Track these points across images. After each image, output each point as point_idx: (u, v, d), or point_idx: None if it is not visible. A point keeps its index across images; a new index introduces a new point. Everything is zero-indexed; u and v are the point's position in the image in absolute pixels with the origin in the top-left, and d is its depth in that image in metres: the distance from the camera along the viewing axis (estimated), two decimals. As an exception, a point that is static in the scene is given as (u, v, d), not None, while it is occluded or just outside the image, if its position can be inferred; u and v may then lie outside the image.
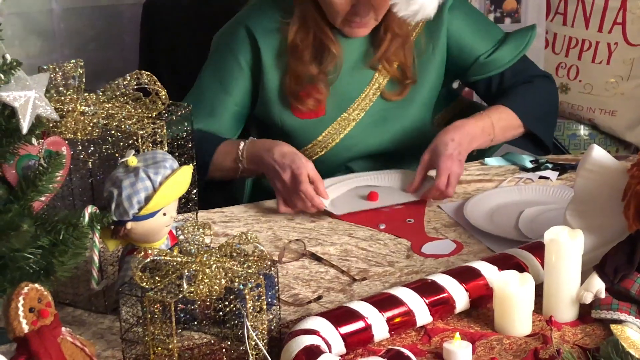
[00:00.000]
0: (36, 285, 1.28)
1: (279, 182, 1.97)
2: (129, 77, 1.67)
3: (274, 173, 1.98)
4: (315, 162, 2.15)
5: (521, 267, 1.62)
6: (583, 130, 3.17)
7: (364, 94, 2.16)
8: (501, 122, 2.14)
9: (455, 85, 2.48)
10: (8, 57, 1.35)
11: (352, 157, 2.20)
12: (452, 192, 2.01)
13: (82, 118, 1.61)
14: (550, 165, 2.18)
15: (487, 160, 2.23)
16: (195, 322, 1.53)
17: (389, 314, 1.52)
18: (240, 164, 2.05)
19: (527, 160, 2.20)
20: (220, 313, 1.43)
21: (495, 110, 2.15)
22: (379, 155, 2.21)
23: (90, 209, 1.48)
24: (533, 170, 2.17)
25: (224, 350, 1.48)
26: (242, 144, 2.05)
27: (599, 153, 1.61)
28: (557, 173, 2.15)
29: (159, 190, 1.50)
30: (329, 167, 2.17)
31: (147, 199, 1.49)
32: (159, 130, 1.61)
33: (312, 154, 2.17)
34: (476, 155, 2.22)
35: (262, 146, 2.03)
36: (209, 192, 2.10)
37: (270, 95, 2.13)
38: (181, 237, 1.52)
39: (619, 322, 1.49)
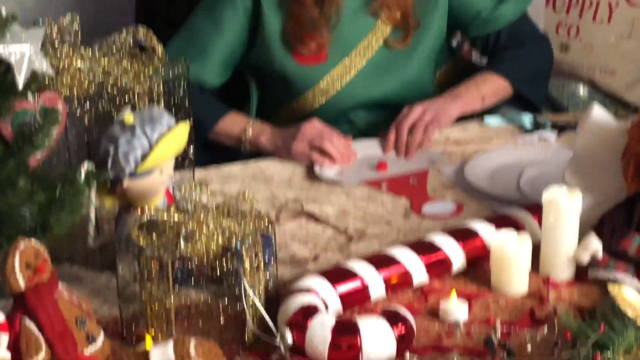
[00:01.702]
0: (32, 241, 1.29)
1: (301, 131, 2.01)
2: (125, 33, 1.66)
3: (294, 130, 2.02)
4: (316, 111, 2.15)
5: (519, 227, 1.63)
6: (582, 90, 3.16)
7: (365, 41, 2.15)
8: (488, 86, 2.18)
9: (454, 44, 2.48)
10: (3, 11, 1.34)
11: (354, 106, 2.20)
12: (417, 136, 2.04)
13: (78, 74, 1.61)
14: (549, 125, 2.17)
15: (487, 120, 2.23)
16: (193, 281, 1.53)
17: (386, 273, 1.53)
18: (244, 136, 2.08)
19: (526, 120, 2.20)
20: (218, 272, 1.43)
21: (482, 75, 2.19)
22: (381, 106, 2.21)
23: (86, 166, 1.47)
24: (532, 130, 2.17)
25: (220, 308, 1.49)
26: (250, 121, 2.09)
27: (598, 113, 1.61)
28: (557, 133, 2.14)
29: (156, 148, 1.50)
30: (331, 117, 2.16)
31: (144, 157, 1.49)
32: (156, 87, 1.61)
33: (313, 101, 2.18)
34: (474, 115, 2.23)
35: (273, 128, 2.08)
36: (206, 148, 2.11)
37: (271, 39, 2.12)
38: (178, 195, 1.52)
39: (615, 282, 1.50)
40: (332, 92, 2.17)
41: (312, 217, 1.83)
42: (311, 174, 2.00)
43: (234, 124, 2.10)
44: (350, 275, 1.51)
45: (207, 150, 2.15)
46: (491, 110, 2.30)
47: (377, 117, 2.21)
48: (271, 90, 2.23)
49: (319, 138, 2.02)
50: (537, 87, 2.28)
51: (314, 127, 2.03)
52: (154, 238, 1.40)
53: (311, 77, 2.15)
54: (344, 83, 2.16)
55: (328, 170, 2.00)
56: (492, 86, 2.18)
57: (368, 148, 2.10)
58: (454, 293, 1.51)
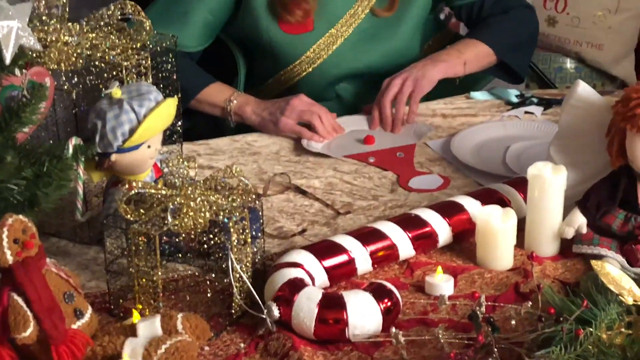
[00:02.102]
0: (20, 216, 1.28)
1: (290, 105, 2.02)
2: (112, 7, 1.65)
3: (282, 104, 2.02)
4: (303, 80, 2.16)
5: (504, 202, 1.64)
6: (569, 64, 3.16)
7: (352, 10, 2.15)
8: (470, 50, 2.17)
9: (442, 16, 2.47)
10: (-11, -14, 1.33)
11: (340, 75, 2.20)
12: (401, 99, 2.06)
13: (65, 48, 1.60)
14: (535, 100, 2.18)
15: (473, 94, 2.24)
16: (180, 255, 1.53)
17: (372, 247, 1.53)
18: (229, 106, 2.08)
19: (512, 95, 2.20)
20: (205, 246, 1.44)
21: (464, 41, 2.20)
22: (367, 76, 2.21)
23: (74, 141, 1.47)
24: (518, 105, 2.17)
25: (208, 282, 1.50)
26: (235, 92, 2.09)
27: (584, 89, 1.61)
28: (542, 108, 2.15)
29: (144, 123, 1.49)
30: (318, 87, 2.16)
31: (132, 131, 1.49)
32: (144, 61, 1.60)
33: (300, 70, 2.17)
34: (460, 88, 2.23)
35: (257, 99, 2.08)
36: (193, 121, 2.10)
37: (258, 8, 2.12)
38: (166, 169, 1.52)
39: (599, 257, 1.51)
40: (318, 61, 2.16)
41: (299, 191, 1.83)
42: (299, 148, 2.00)
43: (219, 93, 2.10)
44: (337, 249, 1.51)
45: (193, 121, 2.15)
46: (477, 83, 2.30)
47: (363, 87, 2.21)
48: (259, 62, 2.23)
49: (308, 113, 2.02)
50: (521, 56, 2.27)
51: (302, 102, 2.03)
52: (141, 212, 1.40)
53: (298, 47, 2.14)
54: (330, 52, 2.16)
55: (315, 144, 2.00)
56: (474, 52, 2.17)
57: (355, 123, 2.11)
58: (439, 267, 1.51)
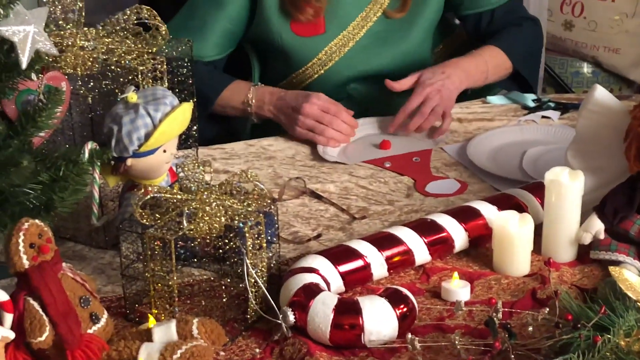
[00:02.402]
0: (36, 221, 1.29)
1: (302, 114, 2.01)
2: (128, 12, 1.66)
3: (295, 110, 2.02)
4: (315, 82, 2.16)
5: (521, 207, 1.63)
6: (586, 68, 3.16)
7: (364, 13, 2.15)
8: (494, 60, 2.17)
9: (457, 21, 2.47)
10: (6, -9, 1.33)
11: (352, 77, 2.20)
12: (416, 123, 2.02)
13: (81, 53, 1.60)
14: (552, 105, 2.17)
15: (489, 98, 2.23)
16: (195, 259, 1.54)
17: (388, 252, 1.53)
18: (249, 108, 2.09)
19: (529, 99, 2.19)
20: (220, 250, 1.44)
21: (488, 49, 2.18)
22: (379, 78, 2.20)
23: (90, 145, 1.47)
24: (535, 109, 2.16)
25: (223, 287, 1.49)
26: (251, 89, 2.09)
27: (601, 93, 1.60)
28: (559, 113, 2.14)
29: (159, 127, 1.49)
30: (329, 88, 2.16)
31: (147, 136, 1.49)
32: (159, 66, 1.60)
33: (312, 72, 2.18)
34: (475, 94, 2.23)
35: (274, 91, 2.08)
36: (209, 126, 2.11)
37: (269, 11, 2.12)
38: (181, 174, 1.52)
39: (617, 263, 1.50)
40: (330, 63, 2.16)
41: (314, 195, 1.83)
42: (314, 153, 2.00)
43: (237, 93, 2.11)
44: (352, 254, 1.51)
45: (211, 125, 2.15)
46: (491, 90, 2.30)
47: (375, 88, 2.21)
48: (272, 64, 2.24)
49: (319, 125, 2.01)
50: (533, 67, 2.29)
51: (313, 108, 2.02)
52: (157, 217, 1.40)
53: (310, 49, 2.15)
54: (342, 54, 2.16)
55: (331, 150, 2.00)
56: (496, 62, 2.18)
57: (371, 127, 2.10)
58: (456, 273, 1.51)
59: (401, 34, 2.18)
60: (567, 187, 1.53)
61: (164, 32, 1.65)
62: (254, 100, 2.09)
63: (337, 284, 1.48)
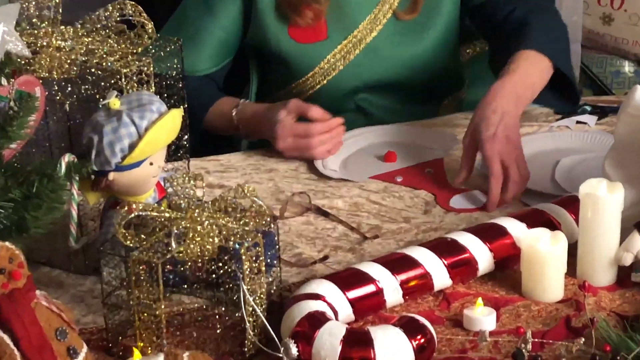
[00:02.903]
0: (7, 243, 1.29)
1: (280, 136, 2.00)
2: (111, 8, 1.66)
3: (271, 133, 2.02)
4: (317, 92, 2.16)
5: (553, 224, 1.63)
6: (628, 67, 3.16)
7: (372, 15, 2.15)
8: (534, 67, 1.99)
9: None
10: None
11: (359, 87, 2.20)
12: (514, 193, 1.82)
13: (58, 54, 1.61)
14: (588, 108, 2.16)
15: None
16: (186, 285, 1.54)
17: (403, 276, 1.53)
18: (239, 125, 2.10)
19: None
20: (214, 275, 1.44)
21: (522, 57, 1.98)
22: (390, 87, 2.21)
23: (67, 158, 1.48)
24: (569, 113, 2.16)
25: (217, 316, 1.50)
26: (234, 110, 2.09)
27: (643, 95, 1.60)
28: (597, 117, 2.14)
29: (145, 137, 1.50)
30: (334, 99, 2.16)
31: (132, 147, 1.49)
32: (145, 68, 1.61)
33: (314, 83, 2.18)
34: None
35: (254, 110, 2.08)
36: (203, 137, 2.11)
37: (264, 15, 2.13)
38: (170, 189, 1.53)
39: (662, 287, 1.50)
40: (334, 72, 2.16)
41: (320, 212, 1.83)
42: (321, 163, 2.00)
43: (222, 111, 2.11)
44: (363, 278, 1.51)
45: (206, 139, 2.16)
46: None
47: (386, 98, 2.21)
48: (270, 73, 2.25)
49: (297, 148, 2.00)
50: (570, 63, 2.13)
51: (284, 130, 2.00)
52: (142, 238, 1.41)
53: (311, 57, 2.15)
54: (347, 62, 2.16)
55: (332, 162, 1.99)
56: (538, 68, 1.99)
57: (372, 136, 2.10)
58: (479, 299, 1.50)
59: (414, 37, 2.17)
60: (605, 201, 1.53)
61: (150, 30, 1.66)
62: (239, 118, 2.09)
63: (346, 312, 1.48)
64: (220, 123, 2.12)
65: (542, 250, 1.53)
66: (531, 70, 1.97)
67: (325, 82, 2.17)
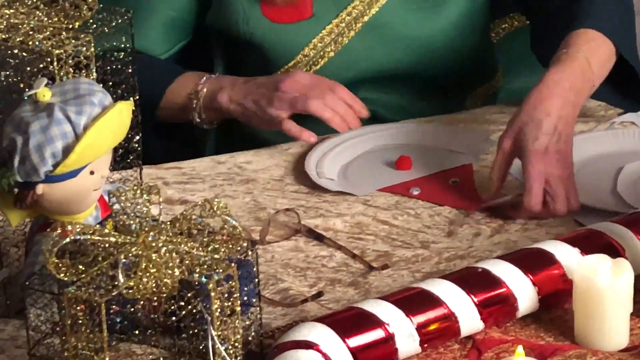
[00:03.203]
0: None
1: (280, 92, 2.04)
2: (40, -28, 1.67)
3: (269, 89, 2.05)
4: None
5: (615, 250, 1.63)
6: None
7: None
8: (596, 54, 1.97)
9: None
10: None
11: (354, 79, 2.20)
12: (560, 210, 1.83)
13: (-30, 32, 1.61)
14: (660, 100, 2.17)
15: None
16: (137, 331, 1.53)
17: (421, 318, 1.52)
18: (195, 101, 2.11)
19: (626, 92, 2.19)
20: (174, 318, 1.43)
21: (583, 38, 1.96)
22: (398, 80, 2.22)
23: (-18, 166, 1.48)
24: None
25: (179, 371, 1.50)
26: (205, 77, 2.12)
27: None
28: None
29: (84, 138, 1.50)
30: None
31: (67, 151, 1.49)
32: (84, 48, 1.61)
33: None
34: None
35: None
36: (159, 137, 2.12)
37: (228, 5, 2.16)
38: (116, 206, 1.52)
39: None
40: (322, 61, 2.18)
41: (313, 235, 1.83)
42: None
43: (182, 88, 2.13)
44: (368, 321, 1.51)
45: (161, 137, 2.16)
46: None
47: (390, 93, 2.24)
48: (239, 63, 2.25)
49: (302, 97, 2.03)
50: (635, 48, 2.13)
51: (296, 82, 2.05)
52: (81, 269, 1.40)
53: (292, 41, 2.17)
54: (339, 48, 2.17)
55: (328, 171, 1.99)
56: (599, 56, 1.98)
57: (380, 137, 2.11)
58: (520, 347, 1.50)
59: (430, 12, 2.18)
60: (682, 219, 1.53)
61: (90, 1, 1.66)
62: (205, 90, 2.11)
63: (346, 365, 1.48)
64: (181, 94, 2.14)
65: (601, 284, 1.53)
66: (593, 57, 1.95)
67: (311, 72, 2.18)
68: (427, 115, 2.18)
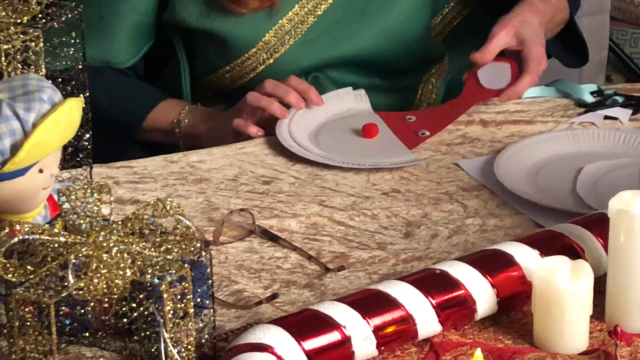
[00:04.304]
0: None
1: (245, 101, 2.12)
2: (-15, -38, 1.66)
3: (237, 106, 2.13)
4: (260, 76, 2.21)
5: (574, 252, 1.63)
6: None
7: None
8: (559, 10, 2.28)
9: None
10: None
11: (316, 65, 2.24)
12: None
13: None
14: (619, 99, 2.18)
15: (527, 91, 2.23)
16: (88, 334, 1.53)
17: (378, 320, 1.52)
18: (178, 129, 2.19)
19: (585, 92, 2.20)
20: (125, 320, 1.43)
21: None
22: (355, 65, 2.24)
23: None
24: (595, 106, 2.18)
25: (130, 374, 1.49)
26: (187, 107, 2.20)
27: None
28: (631, 111, 2.15)
29: (33, 135, 1.49)
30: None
31: (14, 148, 1.49)
32: (33, 43, 1.60)
33: (256, 62, 2.22)
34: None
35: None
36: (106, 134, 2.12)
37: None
38: (66, 205, 1.51)
39: None
40: (282, 48, 2.20)
41: (268, 236, 1.83)
42: (268, 172, 2.01)
43: (164, 115, 2.19)
44: (324, 323, 1.50)
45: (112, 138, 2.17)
46: None
47: (354, 77, 2.25)
48: (200, 54, 2.27)
49: (265, 100, 2.09)
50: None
51: (257, 94, 2.10)
52: (29, 270, 1.40)
53: (252, 29, 2.18)
54: (300, 35, 2.19)
55: (299, 133, 2.06)
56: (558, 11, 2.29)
57: (340, 102, 2.16)
58: (478, 350, 1.50)
59: (382, 3, 2.22)
60: (643, 220, 1.54)
61: (39, -7, 1.65)
62: (187, 120, 2.18)
63: (302, 369, 1.48)
64: (162, 119, 2.21)
65: (561, 286, 1.53)
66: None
67: (271, 61, 2.21)
68: (391, 92, 2.27)
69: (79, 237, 1.43)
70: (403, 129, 2.11)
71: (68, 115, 1.53)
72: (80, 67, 1.71)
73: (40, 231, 1.43)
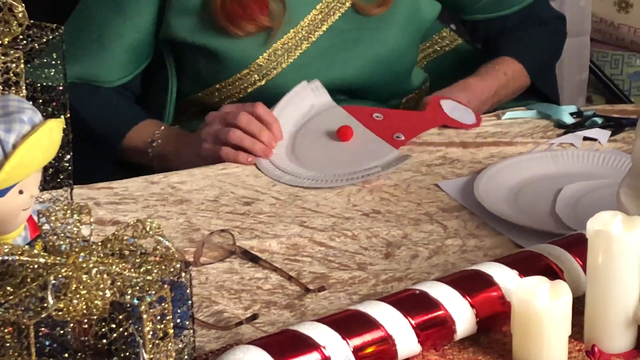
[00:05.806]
0: None
1: (207, 124, 2.11)
2: (-36, -18, 1.66)
3: (200, 130, 2.12)
4: (250, 96, 2.21)
5: (553, 272, 1.64)
6: (650, 67, 3.20)
7: (323, 3, 2.21)
8: (512, 82, 2.33)
9: (453, 26, 2.59)
10: None
11: None
12: None
13: None
14: (599, 121, 2.19)
15: (507, 113, 2.24)
16: (67, 354, 1.52)
17: (357, 341, 1.52)
18: (150, 149, 2.19)
19: (565, 113, 2.21)
20: (104, 341, 1.42)
21: (504, 64, 2.33)
22: (343, 91, 2.26)
23: None
24: (575, 127, 2.18)
25: (109, 395, 1.49)
26: (164, 126, 2.21)
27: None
28: (610, 132, 2.16)
29: (13, 156, 1.49)
30: (272, 104, 2.19)
31: (-6, 169, 1.48)
32: (14, 65, 1.60)
33: (247, 83, 2.23)
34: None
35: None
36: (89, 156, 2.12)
37: (185, 15, 2.19)
38: (46, 226, 1.51)
39: (695, 353, 1.51)
40: (274, 71, 2.21)
41: (248, 257, 1.83)
42: (249, 194, 2.02)
43: (144, 132, 2.20)
44: (304, 344, 1.50)
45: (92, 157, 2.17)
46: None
47: (337, 100, 2.24)
48: (190, 70, 2.28)
49: (222, 129, 2.08)
50: (550, 80, 2.45)
51: (214, 115, 2.10)
52: (8, 291, 1.39)
53: (247, 51, 2.19)
54: (292, 60, 2.20)
55: (277, 156, 2.07)
56: (510, 75, 2.34)
57: (303, 101, 2.17)
58: (457, 370, 1.51)
59: (375, 32, 2.24)
60: (621, 240, 1.54)
61: (20, 15, 1.65)
62: (160, 140, 2.18)
63: (281, 390, 1.48)
64: (139, 138, 2.21)
65: (540, 306, 1.54)
66: (507, 82, 2.34)
67: (263, 82, 2.22)
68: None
69: (58, 258, 1.42)
70: (376, 128, 2.12)
71: (48, 136, 1.52)
72: (61, 87, 1.70)
73: (19, 252, 1.42)
